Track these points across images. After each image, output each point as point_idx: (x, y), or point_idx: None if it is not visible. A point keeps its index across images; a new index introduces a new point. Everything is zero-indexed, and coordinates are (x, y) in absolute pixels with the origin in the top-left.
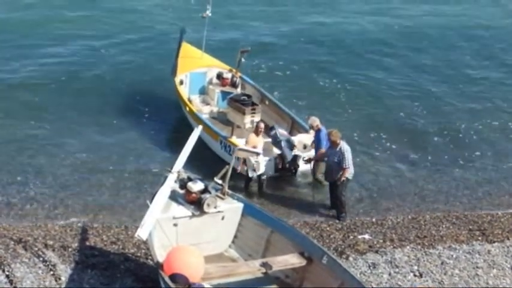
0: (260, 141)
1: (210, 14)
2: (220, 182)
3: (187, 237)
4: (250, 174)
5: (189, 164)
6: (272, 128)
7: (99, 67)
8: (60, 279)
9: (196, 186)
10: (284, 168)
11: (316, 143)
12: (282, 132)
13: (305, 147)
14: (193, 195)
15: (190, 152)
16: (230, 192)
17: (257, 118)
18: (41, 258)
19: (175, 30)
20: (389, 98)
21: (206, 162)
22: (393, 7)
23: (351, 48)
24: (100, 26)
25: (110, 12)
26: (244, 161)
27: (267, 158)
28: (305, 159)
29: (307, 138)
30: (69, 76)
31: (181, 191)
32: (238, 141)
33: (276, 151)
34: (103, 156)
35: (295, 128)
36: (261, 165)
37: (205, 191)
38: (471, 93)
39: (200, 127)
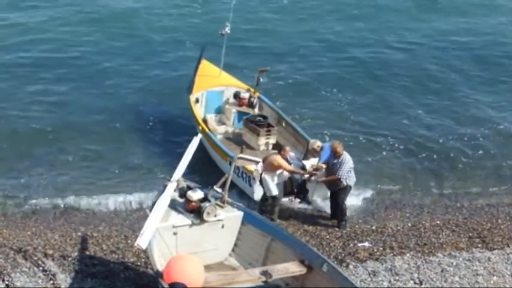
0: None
1: (229, 32)
2: (219, 190)
3: (187, 246)
4: (268, 194)
5: (189, 172)
6: (285, 158)
7: (108, 79)
8: None
9: (196, 194)
10: (292, 193)
11: (323, 161)
12: (292, 155)
13: (317, 169)
14: (193, 203)
15: (189, 161)
16: (230, 200)
17: (272, 140)
18: (41, 268)
19: (191, 46)
20: (390, 105)
21: (206, 171)
22: (395, 15)
23: (351, 57)
24: (114, 38)
25: (123, 23)
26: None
27: (276, 182)
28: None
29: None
30: (74, 86)
31: (181, 200)
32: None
33: (286, 175)
34: (103, 166)
35: (310, 151)
36: (275, 186)
37: (204, 199)
38: (472, 99)
39: (199, 135)
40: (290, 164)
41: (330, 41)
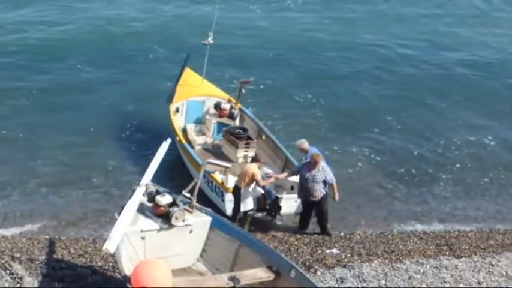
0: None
1: (212, 41)
2: (188, 195)
3: (155, 251)
4: (242, 208)
5: (158, 177)
6: (259, 167)
7: (84, 85)
8: None
9: (165, 199)
10: (264, 209)
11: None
12: (267, 171)
13: (292, 188)
14: (162, 208)
15: (158, 166)
16: (198, 205)
17: (251, 153)
18: (8, 271)
19: (172, 52)
20: (363, 112)
21: (175, 175)
22: (366, 20)
23: (323, 62)
24: (91, 46)
25: (100, 30)
26: (236, 193)
27: (251, 197)
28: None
29: (296, 178)
30: (47, 89)
31: (150, 204)
32: (219, 177)
33: (260, 190)
34: (72, 169)
35: (288, 166)
36: (250, 201)
37: (173, 204)
38: (444, 108)
39: (169, 140)
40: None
41: (307, 47)
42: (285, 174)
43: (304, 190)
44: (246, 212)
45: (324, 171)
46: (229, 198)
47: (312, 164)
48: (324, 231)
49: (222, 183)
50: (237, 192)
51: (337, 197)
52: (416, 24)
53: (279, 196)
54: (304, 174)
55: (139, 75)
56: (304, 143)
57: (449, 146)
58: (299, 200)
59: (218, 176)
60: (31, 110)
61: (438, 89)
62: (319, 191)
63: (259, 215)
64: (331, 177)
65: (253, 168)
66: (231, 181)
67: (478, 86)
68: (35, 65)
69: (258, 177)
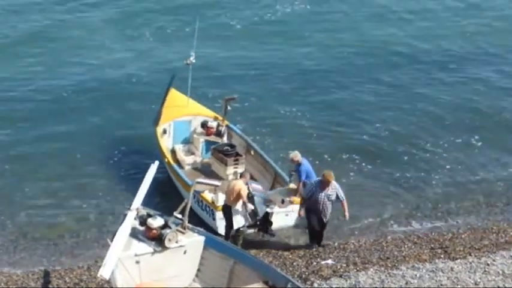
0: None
1: (194, 61)
2: (180, 216)
3: (151, 274)
4: (235, 226)
5: (148, 200)
6: (246, 183)
7: (69, 113)
8: None
9: (156, 222)
10: (255, 225)
11: (298, 177)
12: (255, 187)
13: (283, 201)
14: (154, 231)
15: (148, 189)
16: (190, 226)
17: (240, 169)
18: None
19: (154, 74)
20: (348, 120)
21: (165, 197)
22: (351, 27)
23: (303, 74)
24: (77, 73)
25: (83, 52)
26: (226, 212)
27: (241, 213)
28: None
29: (286, 192)
30: (31, 120)
31: (142, 228)
32: (209, 196)
33: (250, 207)
34: (61, 199)
35: (277, 181)
36: (241, 217)
37: (165, 226)
38: (430, 111)
39: (157, 163)
40: (252, 196)
41: (287, 61)
42: (299, 197)
43: (316, 210)
44: (238, 229)
45: (335, 188)
46: (220, 216)
47: (325, 183)
48: (319, 242)
49: (212, 202)
50: (227, 210)
51: (347, 215)
52: (398, 28)
53: (270, 211)
54: (319, 194)
55: (124, 100)
56: (297, 155)
57: (437, 149)
58: (290, 214)
59: (208, 195)
60: (16, 142)
61: (423, 92)
62: (330, 209)
63: (251, 231)
64: (342, 194)
65: (240, 184)
66: (221, 199)
67: (463, 87)
68: (17, 94)
69: (243, 192)
